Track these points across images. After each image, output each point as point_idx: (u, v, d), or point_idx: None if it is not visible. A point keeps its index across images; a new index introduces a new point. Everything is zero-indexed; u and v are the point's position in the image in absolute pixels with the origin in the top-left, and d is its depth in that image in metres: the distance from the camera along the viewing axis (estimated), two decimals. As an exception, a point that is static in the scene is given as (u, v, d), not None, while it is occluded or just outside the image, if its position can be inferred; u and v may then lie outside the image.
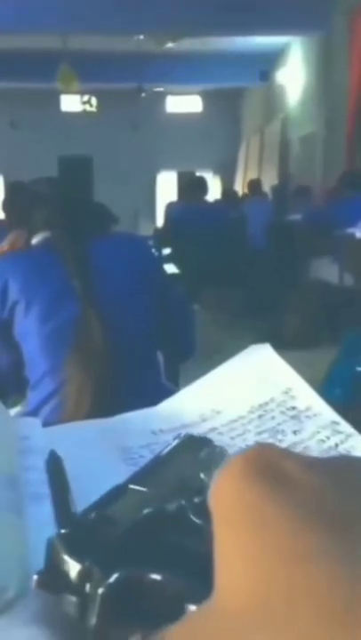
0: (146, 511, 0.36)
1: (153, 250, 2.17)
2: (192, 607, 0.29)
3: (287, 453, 0.28)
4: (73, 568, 0.33)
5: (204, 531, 0.31)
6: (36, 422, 0.70)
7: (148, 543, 0.34)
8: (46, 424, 0.70)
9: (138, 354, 1.82)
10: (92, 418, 1.65)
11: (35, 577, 0.34)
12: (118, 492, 0.40)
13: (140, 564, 0.32)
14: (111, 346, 1.71)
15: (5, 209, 4.29)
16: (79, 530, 0.35)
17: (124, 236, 2.27)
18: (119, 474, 0.56)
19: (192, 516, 0.34)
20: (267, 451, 0.28)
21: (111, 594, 0.31)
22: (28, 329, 1.75)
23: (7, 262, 1.82)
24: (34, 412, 1.69)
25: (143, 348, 1.85)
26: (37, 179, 2.10)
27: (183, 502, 0.36)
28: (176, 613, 0.28)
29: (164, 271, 2.18)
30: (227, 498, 0.26)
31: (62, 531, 0.34)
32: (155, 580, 0.31)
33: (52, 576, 0.33)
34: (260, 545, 0.24)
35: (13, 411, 1.77)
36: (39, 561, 0.43)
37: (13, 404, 1.84)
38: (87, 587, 0.32)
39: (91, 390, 1.68)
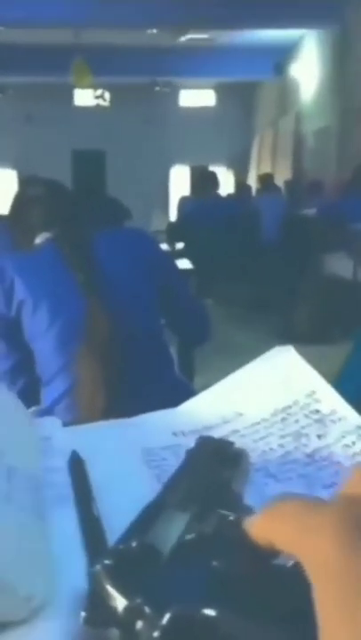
0: (186, 537, 0.36)
1: (159, 243, 2.16)
2: None
3: None
4: (120, 603, 0.32)
5: (244, 551, 0.31)
6: (56, 422, 0.69)
7: (192, 573, 0.33)
8: (63, 422, 0.70)
9: (148, 347, 1.82)
10: (108, 412, 1.63)
11: (82, 614, 0.33)
12: (154, 514, 0.39)
13: (188, 597, 0.31)
14: (121, 339, 1.71)
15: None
16: (122, 561, 0.34)
17: (130, 231, 2.26)
18: (142, 476, 0.56)
19: (229, 536, 0.34)
20: (354, 502, 0.27)
21: (166, 636, 0.30)
22: (37, 328, 1.75)
23: (12, 262, 1.82)
24: (49, 411, 1.69)
25: (153, 341, 1.85)
26: (32, 179, 2.10)
27: (219, 521, 0.36)
28: None
29: (171, 263, 2.17)
30: (329, 562, 0.26)
31: (106, 562, 0.33)
32: (208, 617, 0.30)
33: (98, 610, 0.32)
34: None
35: (29, 410, 1.77)
36: (63, 567, 0.43)
37: (28, 404, 1.83)
38: (138, 624, 0.31)
39: (104, 385, 1.68)
